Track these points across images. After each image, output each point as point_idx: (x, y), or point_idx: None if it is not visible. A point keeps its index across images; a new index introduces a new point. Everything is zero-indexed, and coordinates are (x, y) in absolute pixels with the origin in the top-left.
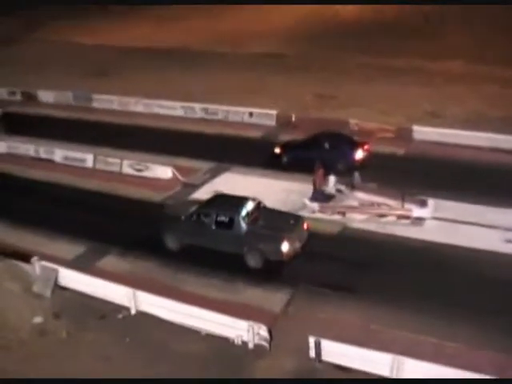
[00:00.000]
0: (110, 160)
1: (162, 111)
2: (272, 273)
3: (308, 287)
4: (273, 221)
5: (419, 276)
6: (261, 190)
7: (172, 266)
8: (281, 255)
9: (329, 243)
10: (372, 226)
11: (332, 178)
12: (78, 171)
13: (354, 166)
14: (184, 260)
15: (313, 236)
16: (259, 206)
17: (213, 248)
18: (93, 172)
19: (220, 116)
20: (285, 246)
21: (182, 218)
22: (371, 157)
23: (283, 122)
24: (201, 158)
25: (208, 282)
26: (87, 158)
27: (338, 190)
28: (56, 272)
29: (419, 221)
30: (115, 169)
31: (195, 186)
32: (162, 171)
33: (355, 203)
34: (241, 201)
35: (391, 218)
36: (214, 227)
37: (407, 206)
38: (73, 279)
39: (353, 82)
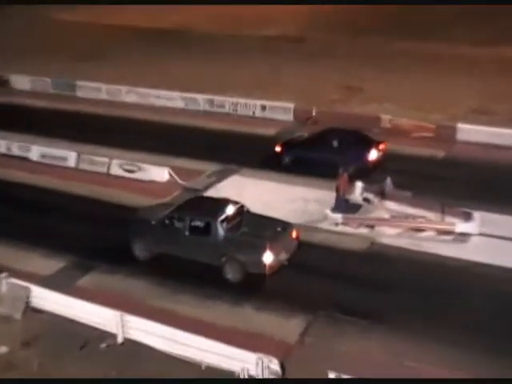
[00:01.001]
0: (97, 159)
1: (158, 102)
2: (286, 295)
3: (328, 313)
4: (257, 227)
5: (462, 303)
6: (273, 197)
7: (168, 285)
8: (263, 267)
9: (354, 262)
10: (405, 243)
11: (359, 185)
12: (58, 172)
13: (366, 169)
14: (183, 278)
15: (335, 253)
16: (242, 210)
17: (186, 258)
18: (75, 173)
19: (227, 109)
20: (267, 257)
21: (153, 222)
22: (385, 158)
23: (302, 118)
24: (204, 158)
25: (211, 304)
26: (69, 156)
27: (366, 199)
28: (27, 291)
29: (463, 237)
30: (102, 169)
31: (197, 191)
32: (158, 173)
33: (386, 215)
34: (220, 203)
35: (429, 234)
36: (187, 233)
37: (448, 219)
38: (48, 300)
39: (385, 72)
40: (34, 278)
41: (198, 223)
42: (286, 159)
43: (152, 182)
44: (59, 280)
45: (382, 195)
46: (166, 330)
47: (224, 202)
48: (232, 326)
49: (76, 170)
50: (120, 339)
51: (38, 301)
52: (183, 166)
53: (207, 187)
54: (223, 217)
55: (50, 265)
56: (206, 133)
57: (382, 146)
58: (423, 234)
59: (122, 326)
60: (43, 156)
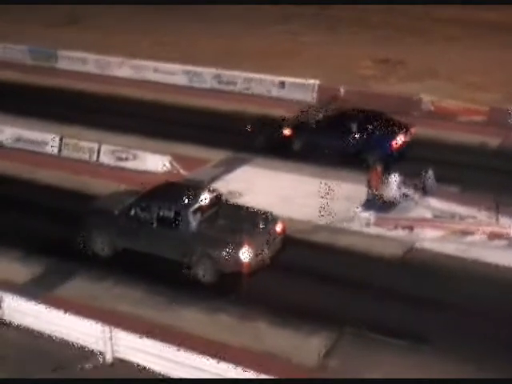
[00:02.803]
0: (83, 144)
1: (156, 77)
2: (306, 309)
3: (358, 331)
4: (235, 220)
5: None
6: (292, 191)
7: (166, 295)
8: (239, 266)
9: (389, 270)
10: (451, 248)
11: (395, 178)
12: (37, 159)
13: (391, 158)
14: (182, 286)
15: (366, 260)
16: (219, 200)
17: (153, 253)
18: (57, 160)
19: (239, 86)
20: (244, 254)
21: (116, 212)
22: (411, 145)
23: (327, 97)
24: (210, 144)
25: (217, 319)
26: (50, 140)
27: (404, 195)
28: None
29: None
30: (90, 157)
31: (201, 184)
32: (156, 162)
33: (427, 214)
34: (193, 191)
35: (479, 237)
36: (154, 225)
37: (503, 220)
38: (19, 311)
39: (429, 43)
40: (5, 285)
41: (167, 213)
42: (297, 144)
43: (149, 172)
44: (35, 288)
45: (423, 191)
46: (163, 348)
47: (198, 190)
48: (242, 345)
49: (58, 157)
50: (109, 358)
51: (8, 312)
52: (185, 153)
53: (213, 179)
54: (196, 206)
55: (24, 270)
56: (213, 114)
57: (410, 131)
58: (472, 238)
59: (111, 344)
60: (18, 140)
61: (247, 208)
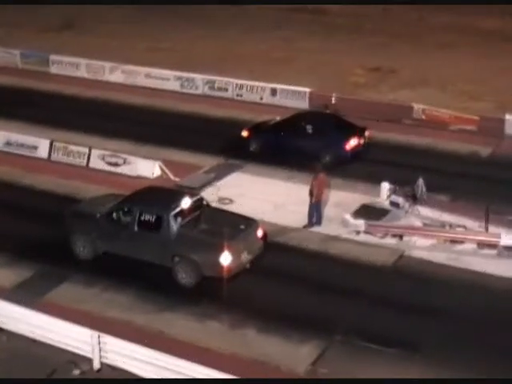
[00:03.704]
0: (74, 148)
1: (149, 83)
2: (296, 316)
3: (347, 339)
4: (216, 224)
5: (510, 331)
6: (283, 198)
7: (155, 300)
8: (219, 270)
9: (379, 278)
10: (441, 257)
11: (385, 186)
12: (26, 163)
13: (345, 159)
14: (174, 292)
15: (356, 267)
16: (201, 204)
17: (133, 257)
18: (47, 165)
19: (231, 93)
20: (225, 258)
21: (98, 215)
22: (367, 146)
23: (319, 104)
24: (202, 150)
25: (207, 325)
26: (40, 144)
27: (394, 203)
28: None
29: (510, 251)
30: (80, 161)
31: (192, 190)
32: (147, 167)
33: (417, 222)
34: (174, 195)
35: (469, 246)
36: (136, 229)
37: (493, 229)
38: (10, 317)
39: (422, 51)
40: None
41: (148, 217)
42: (254, 145)
43: (139, 177)
44: (24, 293)
45: (414, 199)
46: (152, 355)
47: (179, 194)
48: (230, 352)
49: (48, 161)
50: (97, 364)
51: None
52: (177, 159)
53: (204, 185)
54: (177, 210)
55: (13, 275)
56: (205, 120)
57: (364, 133)
58: (462, 247)
59: (99, 349)
60: (8, 144)
61: (229, 212)
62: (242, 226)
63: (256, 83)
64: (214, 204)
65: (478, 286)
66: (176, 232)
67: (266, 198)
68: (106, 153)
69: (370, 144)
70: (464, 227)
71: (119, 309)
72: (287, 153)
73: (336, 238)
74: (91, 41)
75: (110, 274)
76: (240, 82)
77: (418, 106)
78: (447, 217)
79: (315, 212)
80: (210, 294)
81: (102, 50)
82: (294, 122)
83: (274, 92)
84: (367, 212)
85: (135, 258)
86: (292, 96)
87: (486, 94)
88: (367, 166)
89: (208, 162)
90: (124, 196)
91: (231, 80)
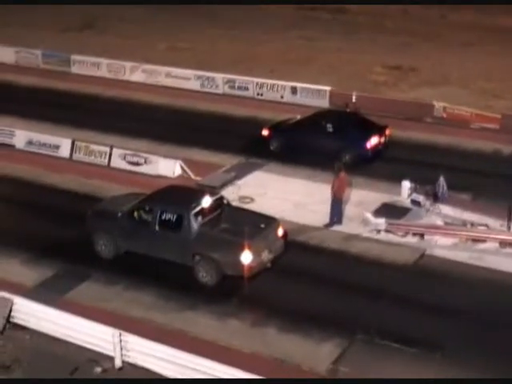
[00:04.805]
0: (95, 148)
1: (169, 82)
2: (316, 315)
3: (368, 338)
4: (237, 223)
5: None
6: (304, 197)
7: (177, 299)
8: (241, 268)
9: (400, 277)
10: (463, 255)
11: (406, 184)
12: (48, 162)
13: (366, 157)
14: (195, 291)
15: (377, 266)
16: (221, 203)
17: (155, 256)
18: (69, 164)
19: (251, 92)
20: (246, 257)
21: (119, 214)
22: (387, 145)
23: (339, 103)
24: (222, 150)
25: (227, 324)
26: (62, 144)
27: (415, 202)
28: (9, 304)
29: None
30: (101, 161)
31: (213, 189)
32: (168, 167)
33: (439, 221)
34: (195, 194)
35: (491, 245)
36: (157, 228)
37: None
38: (33, 315)
39: (443, 49)
40: (15, 288)
41: (169, 216)
42: (274, 144)
43: (160, 176)
44: (46, 291)
45: (435, 197)
46: (174, 353)
47: (200, 193)
48: (252, 351)
49: (69, 160)
50: (118, 363)
51: (20, 316)
52: (197, 158)
53: (225, 184)
54: (198, 209)
55: (35, 273)
56: (226, 120)
57: (385, 132)
58: (484, 246)
59: (121, 348)
60: (30, 143)
61: (249, 211)
62: (263, 225)
63: (276, 82)
64: (234, 203)
65: (500, 285)
66: (197, 231)
67: (287, 196)
68: (128, 152)
69: (390, 142)
70: (486, 226)
71: (140, 307)
72: (308, 152)
73: (357, 237)
74: (112, 40)
75: (131, 273)
76: (260, 80)
77: (439, 105)
78: (469, 215)
79: (336, 211)
80: (230, 293)
81: (123, 50)
82: (315, 120)
83: (294, 91)
84: (388, 211)
85: (156, 257)
86: (312, 95)
87: (508, 92)
88: (388, 164)
89: (228, 161)
90: (145, 195)
91: (251, 79)
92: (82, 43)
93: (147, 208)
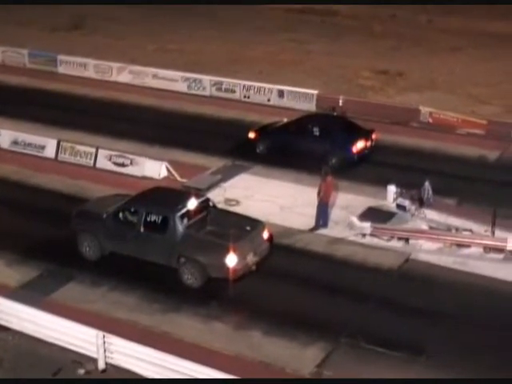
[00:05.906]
0: (81, 149)
1: (156, 83)
2: (301, 319)
3: (354, 342)
4: (222, 226)
5: None
6: (290, 200)
7: (162, 301)
8: (226, 271)
9: (385, 281)
10: (447, 260)
11: (392, 189)
12: (33, 162)
13: (352, 161)
14: (180, 293)
15: (362, 270)
16: (207, 205)
17: (140, 258)
18: (54, 164)
19: (238, 94)
20: (231, 259)
21: (104, 215)
22: (373, 149)
23: (326, 107)
24: (209, 152)
25: (212, 326)
26: (48, 144)
27: (400, 206)
28: None
29: None
30: (87, 161)
31: (199, 191)
32: (154, 168)
33: (424, 226)
34: (181, 196)
35: (475, 250)
36: (142, 229)
37: (500, 233)
38: (15, 316)
39: (430, 54)
40: (0, 289)
41: (154, 218)
42: (261, 147)
43: (146, 178)
44: (30, 292)
45: (420, 202)
46: (158, 355)
47: (186, 195)
48: (235, 353)
49: (55, 160)
50: (101, 364)
51: (3, 317)
52: (183, 160)
53: (211, 186)
54: (183, 211)
55: (18, 274)
56: (212, 122)
57: (372, 136)
58: (468, 251)
59: (104, 349)
60: (15, 143)
61: (235, 214)
62: (248, 228)
63: (263, 85)
64: (220, 205)
65: (484, 290)
66: (182, 233)
67: (273, 199)
68: (113, 153)
69: (376, 147)
70: (470, 231)
71: (125, 309)
72: (294, 155)
73: (342, 241)
74: (99, 41)
75: (115, 275)
76: (247, 83)
77: (425, 110)
78: (454, 220)
79: (322, 214)
80: (215, 296)
81: (112, 50)
82: (302, 124)
83: (281, 94)
84: (373, 215)
85: (141, 259)
86: (299, 98)
87: (494, 98)
88: (374, 168)
89: (215, 163)
90: (130, 196)
91: (239, 81)
92: (71, 43)
93: (132, 209)
